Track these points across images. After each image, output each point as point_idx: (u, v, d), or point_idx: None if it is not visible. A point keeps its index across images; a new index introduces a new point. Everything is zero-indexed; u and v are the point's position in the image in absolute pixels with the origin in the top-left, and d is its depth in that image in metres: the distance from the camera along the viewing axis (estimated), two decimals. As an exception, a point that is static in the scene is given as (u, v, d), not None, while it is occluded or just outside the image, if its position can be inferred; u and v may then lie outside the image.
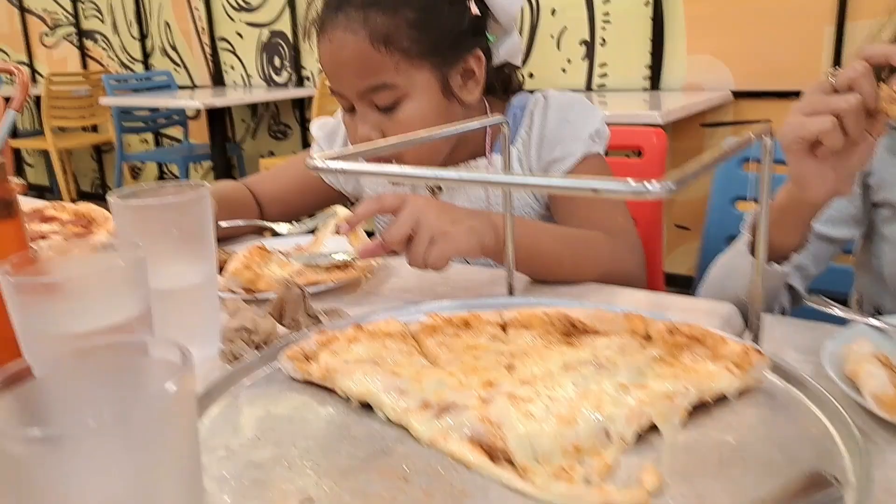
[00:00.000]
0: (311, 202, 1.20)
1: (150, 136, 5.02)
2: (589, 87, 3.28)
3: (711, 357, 0.54)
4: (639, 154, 1.28)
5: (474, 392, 0.53)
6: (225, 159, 4.19)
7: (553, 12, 3.28)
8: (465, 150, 1.03)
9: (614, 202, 0.97)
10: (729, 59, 2.92)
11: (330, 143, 1.16)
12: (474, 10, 0.95)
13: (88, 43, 5.14)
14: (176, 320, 0.66)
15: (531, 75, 3.41)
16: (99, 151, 5.38)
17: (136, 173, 5.18)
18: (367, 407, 0.54)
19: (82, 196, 5.51)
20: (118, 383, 0.35)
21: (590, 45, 3.23)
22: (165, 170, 5.08)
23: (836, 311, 0.62)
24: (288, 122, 4.46)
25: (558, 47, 3.31)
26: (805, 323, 0.70)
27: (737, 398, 0.52)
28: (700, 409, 0.51)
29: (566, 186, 0.43)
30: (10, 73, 2.05)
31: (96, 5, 5.00)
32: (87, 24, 5.10)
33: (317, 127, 1.18)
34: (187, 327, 0.67)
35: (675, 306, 0.76)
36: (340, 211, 0.96)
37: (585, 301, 0.75)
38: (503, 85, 1.05)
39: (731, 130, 2.99)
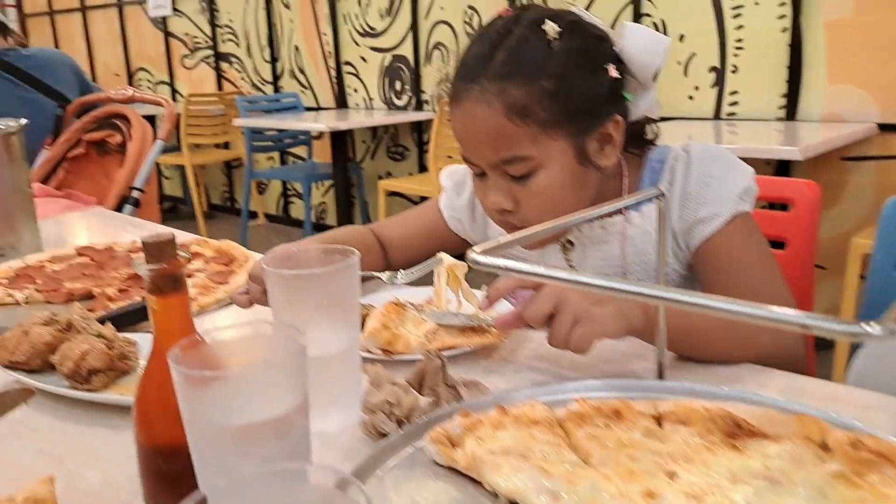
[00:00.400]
0: (436, 248, 1.20)
1: (275, 154, 5.26)
2: (717, 116, 3.15)
3: (905, 483, 0.49)
4: (784, 207, 1.20)
5: (632, 501, 0.49)
6: (345, 178, 4.33)
7: (681, 38, 3.18)
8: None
9: (766, 266, 0.90)
10: (874, 90, 2.73)
11: (458, 194, 1.15)
12: (613, 73, 0.91)
13: (224, 65, 5.45)
14: (319, 387, 0.66)
15: (656, 103, 3.31)
16: (229, 167, 5.69)
17: (262, 189, 5.43)
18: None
19: (213, 208, 5.84)
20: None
21: (720, 72, 3.11)
22: (289, 186, 5.29)
23: None
24: (406, 143, 4.55)
25: (685, 74, 3.20)
26: None
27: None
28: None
29: (774, 317, 0.39)
30: (159, 104, 2.20)
31: (232, 30, 5.29)
32: (223, 48, 5.41)
33: (446, 175, 1.18)
34: (331, 394, 0.67)
35: (845, 399, 0.70)
36: (446, 259, 0.94)
37: (740, 385, 0.70)
38: (639, 140, 1.00)
39: (875, 166, 2.78)
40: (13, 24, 5.68)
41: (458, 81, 0.92)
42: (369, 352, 0.81)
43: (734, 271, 0.89)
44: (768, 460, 0.53)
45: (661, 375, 0.74)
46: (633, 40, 0.93)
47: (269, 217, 5.46)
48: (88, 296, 1.11)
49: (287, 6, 4.90)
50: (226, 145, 5.36)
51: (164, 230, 0.58)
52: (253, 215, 5.17)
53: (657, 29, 3.24)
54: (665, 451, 0.56)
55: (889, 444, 0.51)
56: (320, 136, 4.82)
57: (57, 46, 6.68)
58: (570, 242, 1.02)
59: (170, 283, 0.56)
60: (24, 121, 1.30)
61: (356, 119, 4.28)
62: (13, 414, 0.75)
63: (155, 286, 0.56)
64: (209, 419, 0.47)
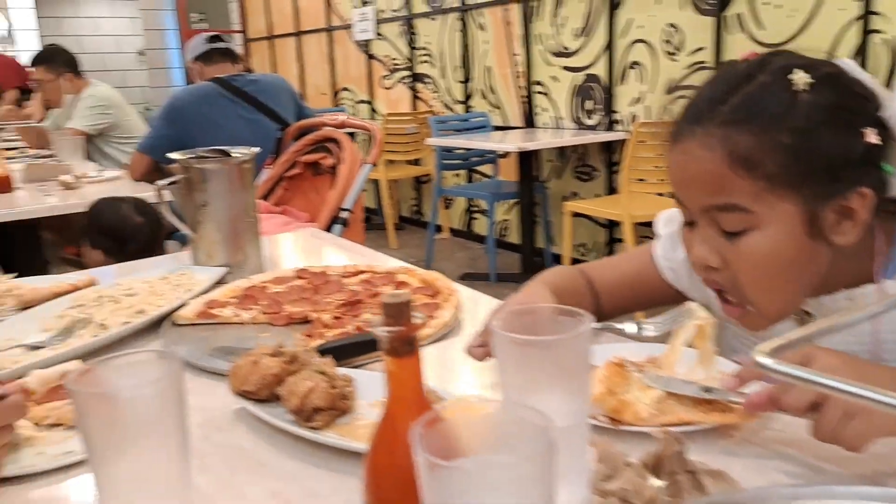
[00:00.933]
0: (646, 297, 1.12)
1: (462, 172, 5.37)
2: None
3: None
4: None
5: None
6: (530, 197, 4.32)
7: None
8: (844, 274, 0.86)
9: None
10: None
11: (673, 247, 1.06)
12: (872, 139, 0.78)
13: (419, 85, 5.67)
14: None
15: (885, 129, 2.97)
16: (419, 182, 5.90)
17: (448, 204, 5.57)
18: None
19: (402, 220, 6.08)
20: None
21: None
22: (473, 203, 5.38)
23: None
24: (594, 164, 4.46)
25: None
26: None
27: None
28: None
29: None
30: (368, 129, 2.31)
31: (429, 52, 5.49)
32: (419, 69, 5.63)
33: (662, 223, 1.10)
34: (562, 468, 0.63)
35: None
36: (697, 311, 0.86)
37: None
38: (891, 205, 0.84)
39: None
40: (238, 48, 6.27)
41: (682, 121, 0.85)
42: (595, 419, 0.76)
43: None
44: None
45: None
46: None
47: (453, 231, 5.59)
48: (305, 320, 1.16)
49: (482, 28, 5.00)
50: (416, 161, 5.56)
51: (401, 292, 0.57)
52: (438, 229, 5.32)
53: (888, 46, 2.91)
54: None
55: None
56: (506, 154, 4.85)
57: (275, 68, 7.32)
58: (808, 313, 0.91)
59: (405, 345, 0.56)
60: (255, 149, 1.40)
61: (544, 139, 4.25)
62: (239, 441, 0.80)
63: (392, 347, 0.55)
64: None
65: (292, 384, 0.81)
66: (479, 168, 5.22)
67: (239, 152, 1.40)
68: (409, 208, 6.12)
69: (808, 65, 0.80)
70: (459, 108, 5.32)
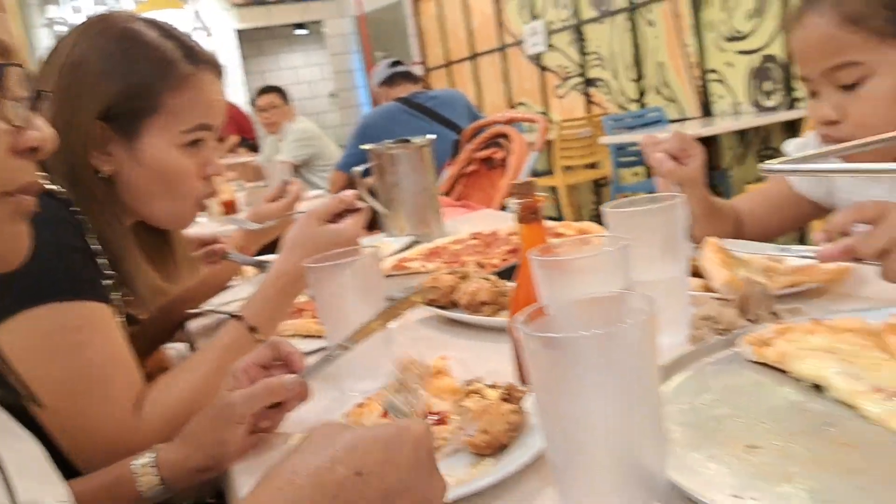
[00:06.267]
0: (787, 217, 1.22)
1: (640, 169, 5.39)
2: None
3: None
4: None
5: (934, 385, 0.53)
6: (712, 186, 4.26)
7: None
8: None
9: None
10: None
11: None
12: None
13: (591, 90, 5.79)
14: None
15: None
16: (597, 185, 5.99)
17: (628, 204, 5.59)
18: (817, 389, 0.60)
19: (582, 225, 6.18)
20: (607, 317, 0.49)
21: None
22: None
23: None
24: (778, 146, 4.31)
25: None
26: None
27: None
28: None
29: None
30: (533, 121, 2.53)
31: (600, 56, 5.61)
32: (591, 73, 5.75)
33: (793, 147, 1.20)
34: (664, 314, 0.80)
35: None
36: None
37: None
38: None
39: None
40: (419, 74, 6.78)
41: (801, 5, 1.01)
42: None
43: None
44: None
45: None
46: None
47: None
48: (481, 265, 1.40)
49: (651, 24, 5.04)
50: (594, 165, 5.67)
51: (530, 178, 0.78)
52: (620, 229, 5.36)
53: None
54: (985, 353, 0.57)
55: None
56: (685, 146, 4.81)
57: (453, 91, 7.80)
58: None
59: (531, 214, 0.76)
60: (432, 136, 1.67)
61: (721, 125, 4.20)
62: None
63: (523, 216, 0.76)
64: (558, 296, 0.65)
65: (463, 287, 1.05)
66: (657, 163, 5.20)
67: (419, 139, 1.68)
68: (588, 213, 6.22)
69: None
70: (634, 107, 5.37)
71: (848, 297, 0.87)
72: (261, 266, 1.27)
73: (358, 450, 0.44)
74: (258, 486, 0.45)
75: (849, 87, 0.96)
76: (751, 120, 4.15)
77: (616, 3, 5.29)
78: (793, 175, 0.54)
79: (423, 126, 2.96)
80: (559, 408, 0.48)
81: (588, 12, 5.62)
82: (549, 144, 5.77)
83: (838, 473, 0.48)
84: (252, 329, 0.91)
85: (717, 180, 4.40)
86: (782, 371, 0.64)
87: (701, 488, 0.47)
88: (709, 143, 4.17)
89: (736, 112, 4.55)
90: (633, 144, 4.85)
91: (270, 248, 1.26)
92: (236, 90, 8.15)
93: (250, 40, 9.05)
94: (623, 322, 0.46)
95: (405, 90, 3.17)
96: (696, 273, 0.92)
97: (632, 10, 5.16)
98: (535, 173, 6.17)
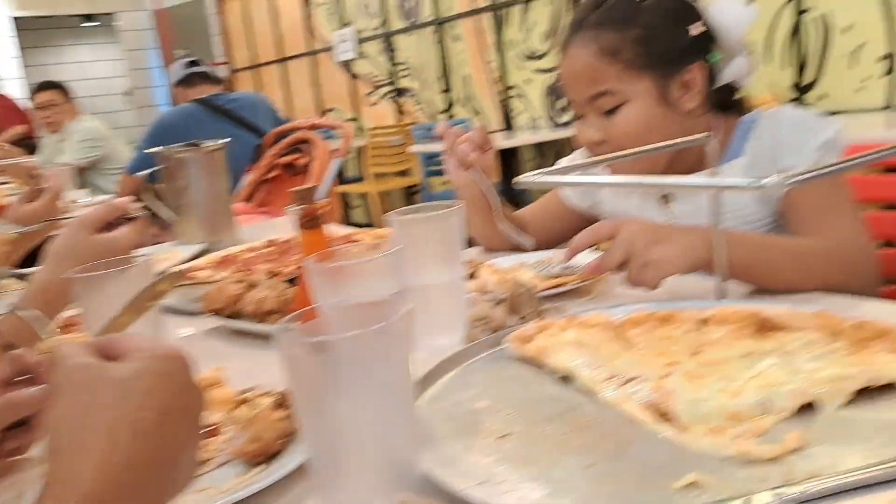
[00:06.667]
0: (561, 227, 1.33)
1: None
2: (890, 106, 2.96)
3: (893, 350, 0.55)
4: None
5: (656, 369, 0.61)
6: (513, 194, 4.52)
7: (846, 30, 3.04)
8: (686, 163, 1.09)
9: (843, 211, 0.95)
10: None
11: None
12: (696, 30, 1.04)
13: (402, 99, 5.91)
14: (433, 310, 0.83)
15: (822, 97, 3.18)
16: (409, 193, 6.11)
17: (437, 211, 5.77)
18: (567, 379, 0.65)
19: (394, 232, 6.28)
20: (372, 321, 0.51)
21: (892, 60, 2.92)
22: (462, 207, 5.58)
23: None
24: (571, 158, 4.66)
25: (853, 66, 3.05)
26: None
27: (914, 387, 0.53)
28: (869, 392, 0.54)
29: (687, 184, 0.50)
30: (337, 127, 2.53)
31: (409, 66, 5.74)
32: (401, 83, 5.87)
33: (560, 161, 1.32)
34: (440, 316, 0.83)
35: (890, 312, 0.74)
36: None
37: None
38: (731, 104, 1.11)
39: None
40: (222, 76, 6.49)
41: (567, 33, 1.11)
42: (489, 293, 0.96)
43: (817, 216, 0.95)
44: (783, 344, 0.61)
45: (721, 298, 0.82)
46: (722, 10, 1.07)
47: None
48: (274, 274, 1.37)
49: (457, 39, 5.25)
50: (405, 173, 5.78)
51: (311, 185, 0.78)
52: (430, 235, 5.51)
53: (819, 23, 3.13)
54: (700, 340, 0.66)
55: (890, 325, 0.58)
56: (489, 157, 5.05)
57: (261, 95, 7.58)
58: (669, 195, 1.13)
59: (311, 220, 0.76)
60: (224, 140, 1.61)
61: (522, 137, 4.47)
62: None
63: (302, 222, 0.76)
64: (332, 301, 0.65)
65: (249, 297, 1.02)
66: (464, 172, 5.42)
67: (210, 143, 1.62)
68: (401, 218, 6.32)
69: None
70: (442, 118, 5.55)
71: (604, 295, 0.97)
72: (22, 278, 1.16)
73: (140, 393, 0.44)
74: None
75: (609, 112, 1.06)
76: (547, 134, 4.45)
77: (424, 16, 5.45)
78: (540, 186, 0.60)
79: (223, 129, 2.85)
80: (317, 409, 0.48)
81: (397, 23, 5.73)
82: (360, 151, 5.80)
83: (573, 453, 0.53)
84: None
85: (517, 189, 4.66)
86: (540, 365, 0.69)
87: (453, 478, 0.50)
88: (510, 154, 4.42)
89: (534, 126, 4.86)
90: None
91: (32, 259, 1.15)
92: (12, 84, 7.35)
93: (29, 30, 8.20)
94: (378, 324, 0.48)
95: (204, 91, 3.03)
96: (474, 275, 0.97)
97: (438, 23, 5.33)
98: (347, 180, 6.18)
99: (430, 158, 4.97)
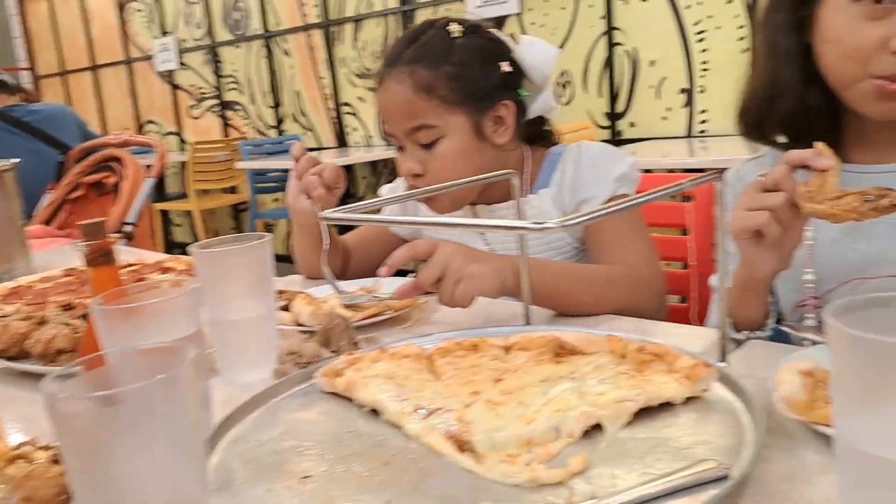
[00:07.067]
0: (383, 252, 1.33)
1: (281, 195, 5.46)
2: (689, 134, 3.29)
3: (668, 371, 0.61)
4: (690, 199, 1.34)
5: (461, 399, 0.62)
6: (344, 214, 4.49)
7: (652, 63, 3.35)
8: (499, 190, 1.15)
9: (635, 238, 1.05)
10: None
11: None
12: (506, 69, 1.10)
13: (229, 113, 5.70)
14: (240, 346, 0.80)
15: (632, 124, 3.47)
16: (237, 210, 5.90)
17: (269, 229, 5.62)
18: (376, 413, 0.65)
19: (222, 251, 6.02)
20: (157, 369, 0.47)
21: (689, 93, 3.26)
22: (294, 225, 5.47)
23: (807, 334, 0.66)
24: (403, 177, 4.71)
25: (658, 97, 3.35)
26: (790, 347, 0.74)
27: (684, 404, 0.59)
28: (649, 412, 0.58)
29: (479, 224, 0.53)
30: (150, 145, 2.38)
31: (236, 79, 5.55)
32: (228, 96, 5.66)
33: (382, 188, 1.36)
34: (249, 351, 0.80)
35: (672, 333, 0.82)
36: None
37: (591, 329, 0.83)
38: (540, 137, 1.18)
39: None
40: (28, 85, 5.92)
41: (382, 68, 1.13)
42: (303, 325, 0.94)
43: (612, 243, 1.03)
44: (577, 368, 0.65)
45: (527, 323, 0.86)
46: (529, 49, 1.14)
47: (277, 257, 5.62)
48: (70, 306, 1.25)
49: (287, 53, 5.15)
50: (233, 189, 5.57)
51: (101, 219, 0.72)
52: (260, 254, 5.34)
53: (629, 56, 3.41)
54: (503, 367, 0.69)
55: (664, 347, 0.63)
56: (321, 174, 4.99)
57: (70, 104, 6.99)
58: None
59: (100, 256, 0.71)
60: (16, 160, 1.47)
61: (356, 155, 4.47)
62: None
63: (90, 259, 0.70)
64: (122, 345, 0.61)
65: (37, 335, 0.93)
66: (296, 190, 5.31)
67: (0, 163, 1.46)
68: (230, 237, 6.08)
69: (460, 21, 1.13)
70: (272, 133, 5.42)
71: (421, 322, 0.98)
72: None
73: None
74: None
75: (427, 146, 1.09)
76: (381, 152, 4.48)
77: (252, 29, 5.30)
78: (342, 223, 0.60)
79: (21, 143, 2.59)
80: (93, 467, 0.45)
81: (223, 34, 5.53)
82: (183, 167, 5.51)
83: (373, 490, 0.53)
84: None
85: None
86: (350, 399, 0.69)
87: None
88: (344, 171, 4.39)
89: (368, 144, 4.88)
90: (273, 171, 4.90)
91: None
92: None
93: None
94: (165, 374, 0.45)
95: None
96: (288, 307, 0.95)
97: (267, 37, 5.21)
98: (169, 196, 5.85)
99: (260, 175, 4.82)
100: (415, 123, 1.08)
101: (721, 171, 0.63)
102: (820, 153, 0.71)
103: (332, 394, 0.71)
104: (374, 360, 0.72)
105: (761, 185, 0.72)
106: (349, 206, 0.65)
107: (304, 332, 0.90)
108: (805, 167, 0.71)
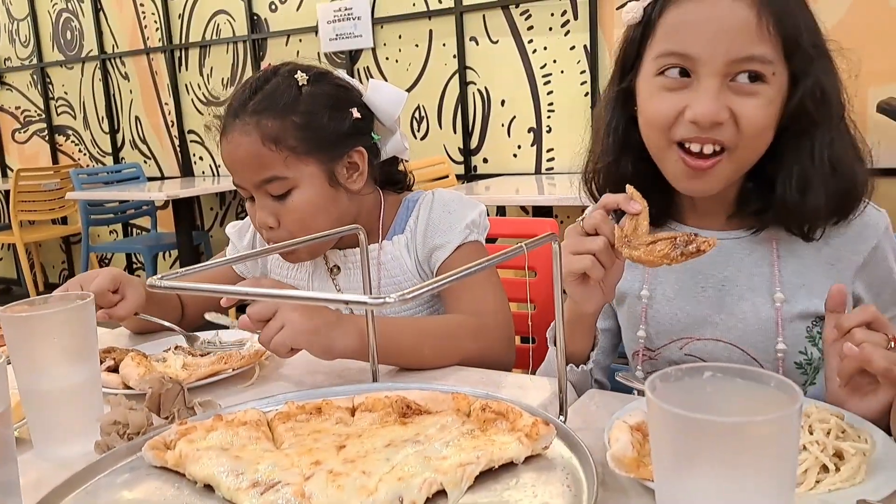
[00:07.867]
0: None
1: (119, 227, 5.11)
2: (538, 171, 3.44)
3: (510, 429, 0.62)
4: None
5: (300, 470, 0.60)
6: (191, 247, 4.28)
7: (503, 103, 3.48)
8: (353, 236, 1.12)
9: (486, 286, 1.06)
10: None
11: (240, 239, 1.27)
12: (356, 115, 1.09)
13: (60, 138, 5.29)
14: (57, 417, 0.73)
15: (486, 160, 3.58)
16: (68, 243, 5.45)
17: (105, 264, 5.23)
18: (211, 489, 0.61)
19: (50, 287, 5.54)
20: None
21: (537, 132, 3.41)
22: (134, 259, 5.14)
23: (637, 385, 0.70)
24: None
25: (509, 135, 3.49)
26: (625, 396, 0.78)
27: (525, 462, 0.60)
28: (492, 472, 0.59)
29: (311, 297, 0.52)
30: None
31: (68, 102, 5.17)
32: (58, 120, 5.25)
33: (230, 226, 1.29)
34: (67, 423, 0.73)
35: (514, 384, 0.85)
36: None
37: (438, 383, 0.83)
38: (394, 179, 1.19)
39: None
40: None
41: (225, 117, 1.09)
42: (127, 387, 0.87)
43: (463, 289, 1.05)
44: (422, 429, 0.65)
45: (374, 379, 0.85)
46: (377, 93, 1.13)
47: (114, 291, 5.24)
48: None
49: (126, 77, 4.87)
50: (64, 220, 5.15)
51: None
52: (96, 290, 4.95)
53: (481, 95, 3.53)
54: (346, 432, 0.67)
55: (506, 405, 0.64)
56: (166, 205, 4.74)
57: None
58: (337, 268, 1.16)
59: None
60: None
61: (201, 186, 4.27)
62: None
63: None
64: None
65: None
66: (137, 222, 5.01)
67: None
68: (58, 273, 5.61)
69: (306, 68, 1.10)
70: (109, 161, 5.08)
71: (266, 380, 0.94)
72: None
73: None
74: None
75: (280, 197, 1.05)
76: (229, 183, 4.27)
77: (86, 50, 4.97)
78: (169, 291, 0.57)
79: None
80: None
81: (52, 55, 5.14)
82: (7, 195, 5.03)
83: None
84: None
85: (198, 240, 4.43)
86: (183, 474, 0.64)
87: None
88: (188, 203, 4.18)
89: (215, 174, 4.68)
90: (110, 201, 4.57)
91: None
92: None
93: None
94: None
95: None
96: (116, 369, 0.88)
97: (103, 59, 4.91)
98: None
99: (94, 206, 4.49)
100: (265, 175, 1.04)
101: (553, 235, 0.65)
102: (631, 197, 0.76)
103: (163, 468, 0.66)
104: (208, 429, 0.68)
105: (582, 228, 0.76)
106: (177, 271, 0.61)
107: (134, 396, 0.84)
108: (618, 210, 0.76)
